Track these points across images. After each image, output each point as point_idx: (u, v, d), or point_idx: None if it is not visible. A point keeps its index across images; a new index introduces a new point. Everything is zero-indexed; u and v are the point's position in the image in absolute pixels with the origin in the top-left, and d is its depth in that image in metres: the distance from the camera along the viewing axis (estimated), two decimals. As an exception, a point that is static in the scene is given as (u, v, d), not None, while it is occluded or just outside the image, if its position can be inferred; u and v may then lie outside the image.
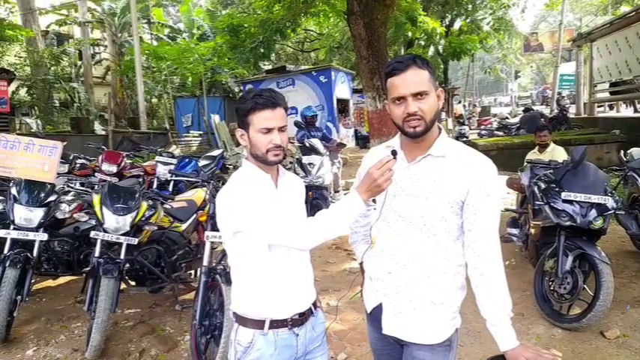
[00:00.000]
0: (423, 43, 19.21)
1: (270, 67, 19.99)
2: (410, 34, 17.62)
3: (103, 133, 15.57)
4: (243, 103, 1.60)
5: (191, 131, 17.11)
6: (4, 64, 16.80)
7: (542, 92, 34.96)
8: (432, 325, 1.58)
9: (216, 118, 15.57)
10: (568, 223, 3.41)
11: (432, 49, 20.29)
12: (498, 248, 1.53)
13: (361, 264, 1.88)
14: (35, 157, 3.73)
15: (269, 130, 1.58)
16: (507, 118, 21.17)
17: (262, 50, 12.54)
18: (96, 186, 4.75)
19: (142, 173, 6.46)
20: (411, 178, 1.57)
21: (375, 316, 1.70)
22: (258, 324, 1.61)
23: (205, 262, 3.16)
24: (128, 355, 3.31)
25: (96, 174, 6.27)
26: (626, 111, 16.10)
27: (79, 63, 21.97)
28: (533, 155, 5.41)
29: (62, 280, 4.70)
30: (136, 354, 3.32)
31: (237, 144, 14.76)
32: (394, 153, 1.49)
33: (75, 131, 15.22)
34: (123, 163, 6.57)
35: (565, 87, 25.64)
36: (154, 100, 24.16)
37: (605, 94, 14.34)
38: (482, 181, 1.50)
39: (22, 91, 19.08)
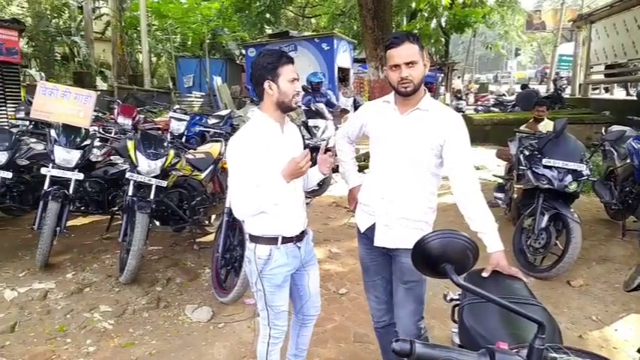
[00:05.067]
0: (426, 15, 19.25)
1: (271, 31, 20.00)
2: (414, 5, 17.71)
3: (105, 88, 15.72)
4: (271, 59, 1.99)
5: (193, 92, 17.25)
6: (6, 14, 16.70)
7: (541, 71, 35.15)
8: (414, 235, 2.01)
9: (218, 80, 15.73)
10: (546, 186, 3.88)
11: (434, 21, 20.37)
12: (476, 178, 2.01)
13: (352, 189, 2.37)
14: (71, 104, 4.10)
15: (294, 80, 2.02)
16: (504, 95, 21.51)
17: (268, 15, 12.67)
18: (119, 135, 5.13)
19: (155, 127, 6.82)
20: (403, 126, 2.04)
21: (367, 234, 2.17)
22: (273, 240, 2.05)
23: (227, 204, 3.59)
24: (156, 282, 3.79)
25: (109, 127, 6.61)
26: (620, 93, 16.49)
27: (80, 17, 21.75)
28: (526, 127, 5.81)
29: (86, 220, 5.15)
30: (164, 281, 3.80)
31: (239, 107, 15.01)
32: (309, 149, 2.06)
33: (77, 85, 15.34)
34: (137, 118, 6.92)
35: (564, 67, 25.84)
36: (154, 58, 24.08)
37: (600, 76, 14.70)
38: (456, 129, 2.00)
39: (22, 42, 18.94)
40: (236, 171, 1.98)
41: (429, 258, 1.32)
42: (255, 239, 2.09)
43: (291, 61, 2.02)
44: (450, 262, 1.31)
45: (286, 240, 2.08)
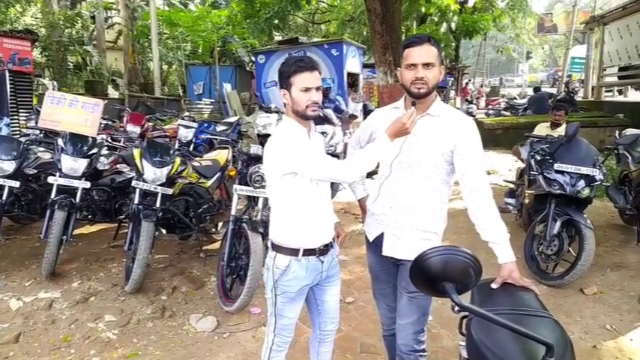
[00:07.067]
0: (436, 19, 19.17)
1: (280, 37, 20.01)
2: (423, 9, 17.63)
3: (117, 96, 15.88)
4: (286, 67, 1.94)
5: (203, 99, 17.35)
6: (20, 25, 17.01)
7: (553, 74, 34.82)
8: (422, 246, 1.95)
9: (227, 87, 15.79)
10: (558, 192, 3.79)
11: (444, 26, 20.27)
12: (488, 185, 1.93)
13: (359, 200, 2.33)
14: (79, 113, 4.11)
15: (308, 89, 1.91)
16: (515, 98, 21.33)
17: (276, 21, 12.71)
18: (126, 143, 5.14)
19: (163, 134, 6.85)
20: (412, 133, 1.92)
21: (376, 243, 2.12)
22: (294, 252, 1.99)
23: (233, 212, 3.56)
24: (162, 291, 3.76)
25: (117, 135, 6.64)
26: (634, 95, 16.23)
27: (92, 27, 22.06)
28: (543, 129, 5.63)
29: (94, 228, 5.15)
30: (169, 290, 3.77)
31: (248, 113, 15.05)
32: (414, 104, 1.91)
33: (90, 94, 15.52)
34: (145, 125, 6.96)
35: (576, 70, 25.52)
36: (165, 66, 24.29)
37: (614, 79, 14.48)
38: (468, 135, 1.93)
39: (36, 52, 19.23)
40: (303, 156, 1.89)
41: (428, 275, 1.26)
42: (276, 248, 2.03)
43: (305, 69, 1.90)
44: (451, 280, 1.25)
45: (308, 252, 2.01)
